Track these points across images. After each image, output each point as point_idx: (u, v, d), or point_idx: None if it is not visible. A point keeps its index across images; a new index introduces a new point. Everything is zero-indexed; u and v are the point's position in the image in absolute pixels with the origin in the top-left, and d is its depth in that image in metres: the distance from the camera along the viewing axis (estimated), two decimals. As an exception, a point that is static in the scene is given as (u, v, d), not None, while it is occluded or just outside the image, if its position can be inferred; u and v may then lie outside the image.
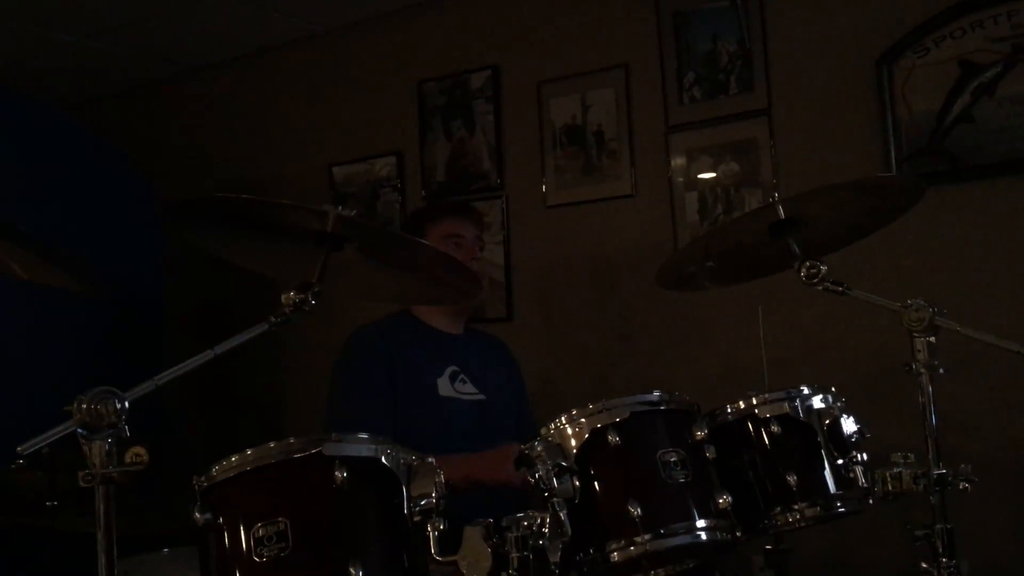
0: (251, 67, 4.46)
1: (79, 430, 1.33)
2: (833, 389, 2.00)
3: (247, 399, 4.36)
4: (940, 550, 1.79)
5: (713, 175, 3.33)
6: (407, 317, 2.62)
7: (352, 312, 3.23)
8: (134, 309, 3.95)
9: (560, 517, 1.56)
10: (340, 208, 1.63)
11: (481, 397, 2.54)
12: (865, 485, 1.90)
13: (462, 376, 2.54)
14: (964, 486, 1.78)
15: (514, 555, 1.49)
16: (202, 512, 1.48)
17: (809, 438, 1.94)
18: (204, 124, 4.61)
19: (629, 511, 1.64)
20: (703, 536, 1.70)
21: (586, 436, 1.70)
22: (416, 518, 1.52)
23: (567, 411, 1.74)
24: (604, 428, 1.70)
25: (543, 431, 1.74)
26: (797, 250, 1.92)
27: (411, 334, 2.56)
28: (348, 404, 2.40)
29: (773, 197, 1.91)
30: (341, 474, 1.47)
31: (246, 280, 2.39)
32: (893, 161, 2.99)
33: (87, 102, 4.80)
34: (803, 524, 1.91)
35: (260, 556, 1.44)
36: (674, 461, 1.72)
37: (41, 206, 3.44)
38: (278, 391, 4.30)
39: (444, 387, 2.50)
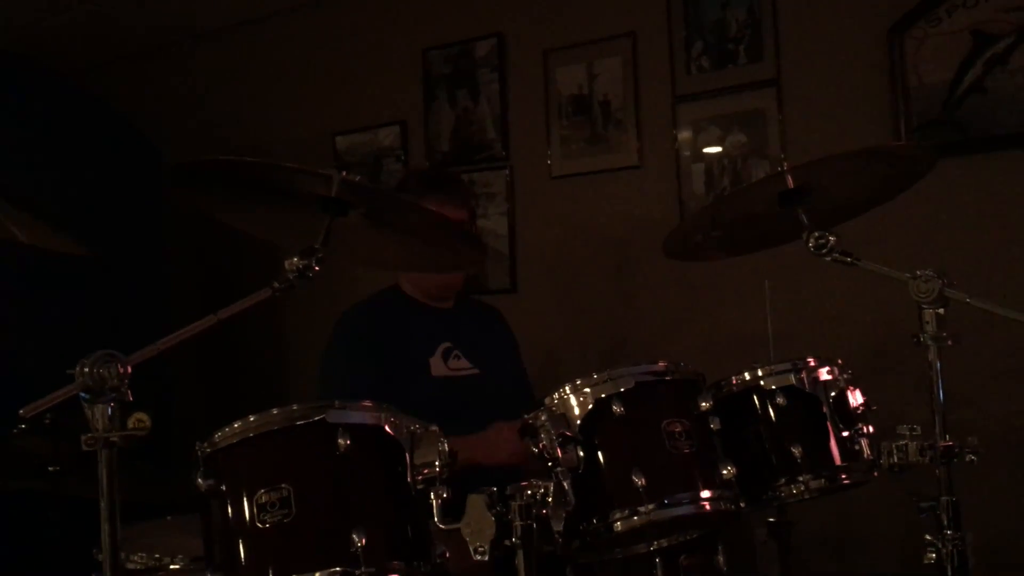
0: (255, 33, 4.42)
1: (81, 394, 1.32)
2: (840, 361, 1.99)
3: (250, 366, 4.37)
4: (945, 522, 1.78)
5: (720, 147, 3.30)
6: (396, 294, 2.57)
7: (355, 280, 3.22)
8: (137, 274, 3.94)
9: (564, 486, 1.56)
10: (345, 172, 1.61)
11: (475, 371, 2.50)
12: (871, 457, 1.90)
13: (455, 352, 2.50)
14: (971, 458, 1.77)
15: (518, 523, 1.49)
16: (205, 478, 1.48)
17: (815, 410, 1.93)
18: (207, 91, 4.57)
19: (633, 481, 1.63)
20: (707, 506, 1.70)
21: (590, 406, 1.70)
22: (419, 486, 1.53)
23: (571, 381, 1.73)
24: (609, 398, 1.69)
25: (547, 400, 1.73)
26: (806, 220, 1.90)
27: (401, 312, 2.51)
28: (337, 384, 2.36)
29: (782, 166, 1.88)
30: (344, 441, 1.47)
31: (249, 246, 2.37)
32: (903, 132, 2.96)
33: (91, 67, 4.76)
34: (808, 496, 1.91)
35: (263, 523, 1.44)
36: (679, 431, 1.71)
37: (43, 170, 3.42)
38: (281, 358, 4.30)
39: (437, 367, 2.45)
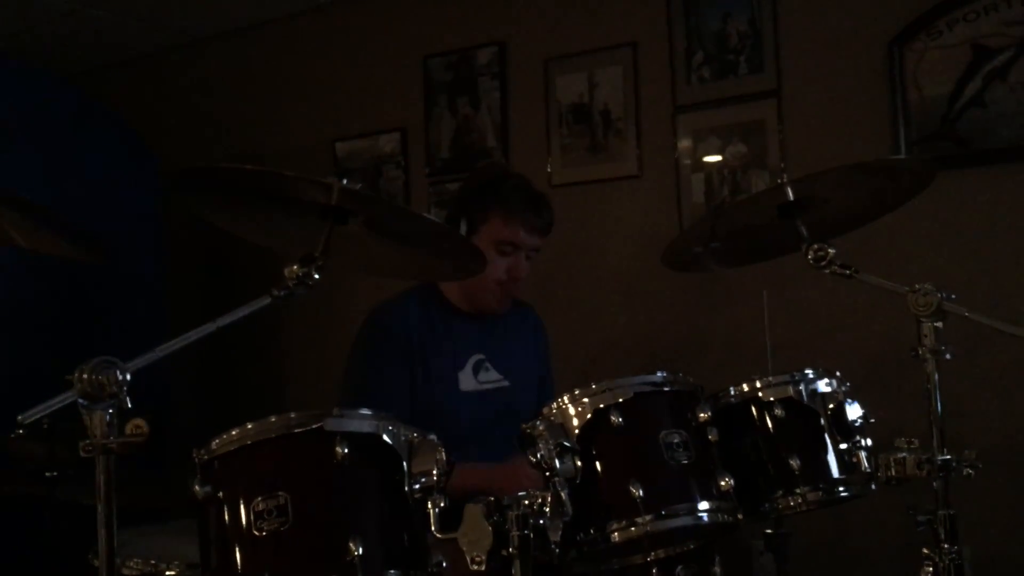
0: (255, 40, 4.42)
1: (80, 400, 1.32)
2: (838, 373, 1.99)
3: (248, 373, 4.36)
4: (942, 536, 1.78)
5: (720, 157, 3.30)
6: (433, 295, 2.45)
7: (352, 289, 3.23)
8: (135, 280, 3.94)
9: (561, 497, 1.55)
10: (344, 181, 1.61)
11: (504, 384, 2.44)
12: (868, 470, 1.89)
13: (486, 364, 2.43)
14: (968, 472, 1.77)
15: (515, 533, 1.48)
16: (202, 485, 1.48)
17: (813, 422, 1.93)
18: (207, 97, 4.58)
19: (631, 492, 1.63)
20: (704, 518, 1.69)
21: (588, 416, 1.69)
22: (417, 495, 1.52)
23: (570, 391, 1.73)
24: (607, 408, 1.69)
25: (545, 410, 1.72)
26: (805, 232, 1.90)
27: (435, 316, 2.40)
28: (362, 389, 2.31)
29: (782, 178, 1.88)
30: (342, 450, 1.46)
31: (249, 253, 2.37)
32: (903, 145, 2.96)
33: (89, 72, 4.77)
34: (805, 508, 1.91)
35: (259, 530, 1.44)
36: (677, 442, 1.71)
37: (43, 175, 3.42)
38: (279, 366, 4.29)
39: (466, 381, 2.38)
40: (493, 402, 2.41)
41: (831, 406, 1.93)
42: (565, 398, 1.72)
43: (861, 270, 1.88)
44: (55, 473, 2.36)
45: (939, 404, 1.80)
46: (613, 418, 1.68)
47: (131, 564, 1.82)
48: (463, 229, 2.31)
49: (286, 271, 1.61)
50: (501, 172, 2.65)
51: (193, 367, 4.29)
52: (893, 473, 1.81)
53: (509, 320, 2.55)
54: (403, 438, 1.54)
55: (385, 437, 1.52)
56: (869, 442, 1.92)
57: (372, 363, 2.35)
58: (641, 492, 1.63)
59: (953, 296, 1.77)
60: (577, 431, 1.68)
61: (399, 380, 2.30)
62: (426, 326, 2.37)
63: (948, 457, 1.77)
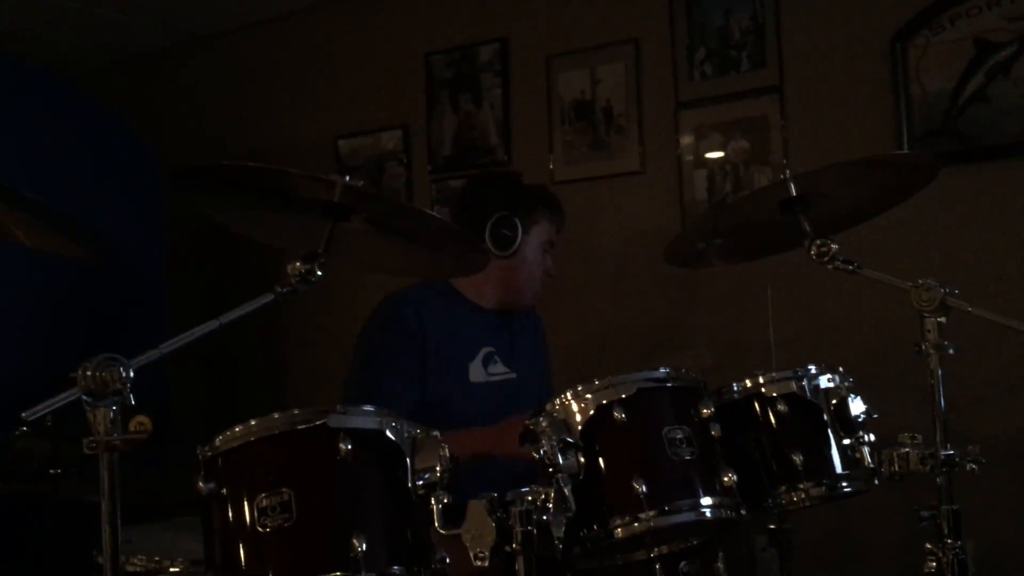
0: (257, 37, 4.42)
1: (83, 397, 1.32)
2: (841, 369, 1.99)
3: (251, 370, 4.36)
4: (946, 531, 1.78)
5: (722, 153, 3.30)
6: (445, 287, 2.48)
7: (354, 286, 3.22)
8: (137, 278, 3.94)
9: (564, 493, 1.55)
10: (347, 178, 1.61)
11: (512, 376, 2.47)
12: (872, 465, 1.89)
13: (495, 357, 2.46)
14: (971, 467, 1.77)
15: (518, 530, 1.48)
16: (205, 482, 1.48)
17: (816, 418, 1.93)
18: (209, 94, 4.57)
19: (634, 487, 1.63)
20: (708, 514, 1.70)
21: (592, 412, 1.69)
22: (420, 491, 1.52)
23: (573, 387, 1.73)
24: (610, 404, 1.69)
25: (548, 406, 1.72)
26: (808, 228, 1.90)
27: (447, 308, 2.43)
28: (370, 379, 2.32)
29: (784, 174, 1.88)
30: (345, 446, 1.47)
31: (251, 250, 2.37)
32: (905, 140, 2.96)
33: (92, 70, 4.77)
34: (808, 503, 1.91)
35: (263, 527, 1.44)
36: (680, 438, 1.71)
37: (44, 173, 3.42)
38: (281, 363, 4.29)
39: (476, 372, 2.41)
40: (501, 393, 2.43)
41: (834, 402, 1.93)
42: (568, 394, 1.72)
43: (864, 266, 1.88)
44: (58, 470, 2.36)
45: (942, 399, 1.80)
46: (616, 414, 1.68)
47: (135, 561, 1.83)
48: (519, 231, 2.38)
49: (289, 268, 1.61)
50: (517, 175, 2.71)
51: (196, 364, 4.30)
52: (896, 468, 1.81)
53: (515, 316, 2.59)
54: (406, 434, 1.54)
55: (388, 433, 1.53)
56: (872, 437, 1.92)
57: (381, 353, 2.36)
58: (644, 488, 1.63)
59: (956, 291, 1.77)
60: (580, 427, 1.68)
61: (407, 370, 2.31)
62: (436, 317, 2.39)
63: (951, 452, 1.77)
